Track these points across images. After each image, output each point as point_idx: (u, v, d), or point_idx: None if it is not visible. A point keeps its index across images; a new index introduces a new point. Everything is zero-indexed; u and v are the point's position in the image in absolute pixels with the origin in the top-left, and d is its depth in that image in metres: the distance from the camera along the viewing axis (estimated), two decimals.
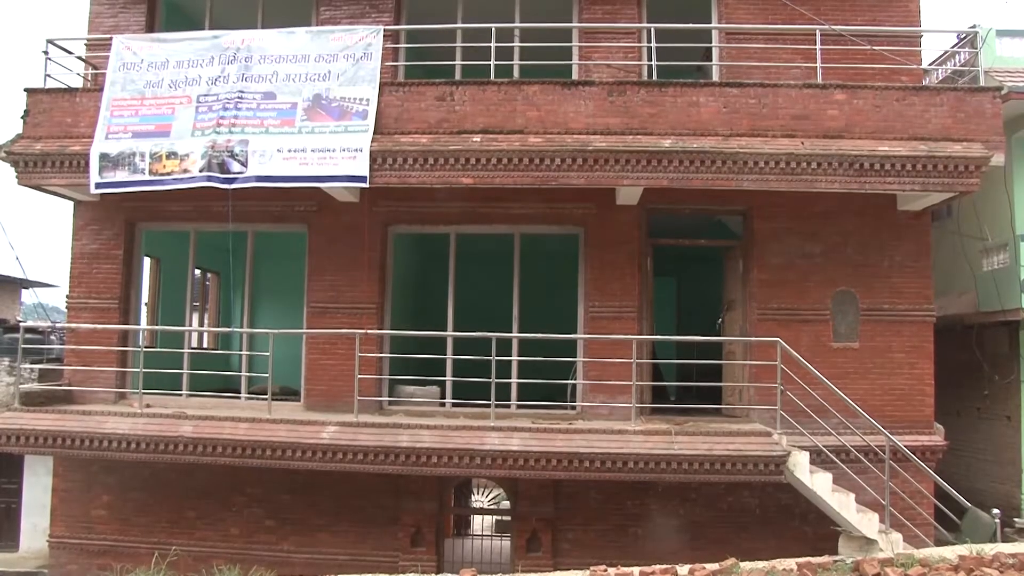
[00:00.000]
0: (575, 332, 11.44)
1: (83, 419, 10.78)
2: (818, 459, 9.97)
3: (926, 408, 11.13)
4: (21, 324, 14.87)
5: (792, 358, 10.11)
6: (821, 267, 11.29)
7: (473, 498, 14.64)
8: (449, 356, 11.42)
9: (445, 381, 11.41)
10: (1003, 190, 12.33)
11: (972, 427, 13.79)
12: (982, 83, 11.04)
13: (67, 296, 12.34)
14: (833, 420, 10.13)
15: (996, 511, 9.91)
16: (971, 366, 13.58)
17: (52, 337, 14.69)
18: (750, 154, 10.14)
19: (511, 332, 11.31)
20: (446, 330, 11.65)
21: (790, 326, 11.06)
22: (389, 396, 11.56)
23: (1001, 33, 12.83)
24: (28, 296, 25.73)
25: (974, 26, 11.99)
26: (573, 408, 11.27)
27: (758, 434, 10.02)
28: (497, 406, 10.44)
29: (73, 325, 12.14)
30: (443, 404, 11.41)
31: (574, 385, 11.31)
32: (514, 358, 11.00)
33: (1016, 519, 12.10)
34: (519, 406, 11.19)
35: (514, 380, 11.11)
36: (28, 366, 12.16)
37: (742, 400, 11.39)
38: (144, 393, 11.05)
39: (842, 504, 9.64)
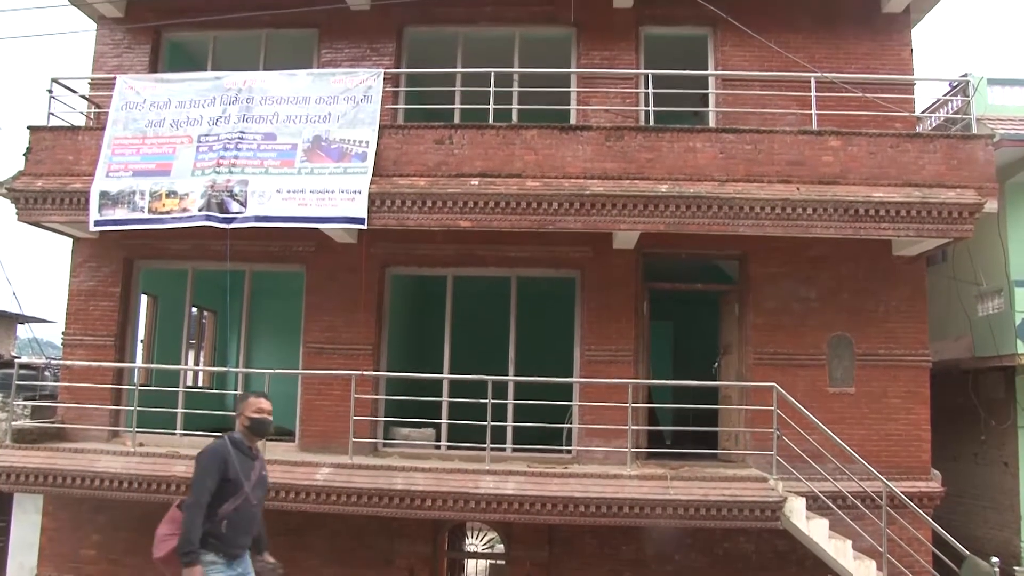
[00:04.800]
0: (571, 376, 11.43)
1: (75, 457, 10.71)
2: (815, 505, 9.91)
3: (923, 454, 11.08)
4: (16, 360, 14.79)
5: (788, 403, 10.08)
6: (817, 312, 11.32)
7: (467, 541, 14.52)
8: (445, 399, 11.38)
9: (441, 423, 11.35)
10: (997, 235, 12.42)
11: (970, 473, 13.72)
12: (975, 130, 11.15)
13: (63, 333, 12.33)
14: (830, 465, 10.08)
15: (995, 559, 9.80)
16: (967, 411, 13.56)
17: (46, 373, 14.62)
18: (746, 199, 10.21)
19: (507, 375, 11.28)
20: (442, 372, 11.62)
21: (786, 370, 11.05)
22: (384, 438, 11.49)
23: (992, 82, 12.99)
24: (23, 331, 25.66)
25: (966, 75, 12.15)
26: (569, 452, 11.22)
27: (754, 479, 9.98)
28: (492, 449, 10.39)
29: (68, 362, 12.10)
30: (438, 446, 11.34)
31: (570, 429, 11.27)
32: (510, 401, 10.96)
33: (1016, 567, 12.01)
34: (515, 449, 11.14)
35: (510, 423, 11.05)
36: (21, 403, 12.08)
37: (738, 445, 11.33)
38: (138, 432, 10.99)
39: (839, 551, 9.56)
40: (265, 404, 5.58)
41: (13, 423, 11.19)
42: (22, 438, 11.01)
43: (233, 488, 5.18)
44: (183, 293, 12.88)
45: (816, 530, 9.66)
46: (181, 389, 12.16)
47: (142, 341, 13.33)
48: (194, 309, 15.32)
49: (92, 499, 11.26)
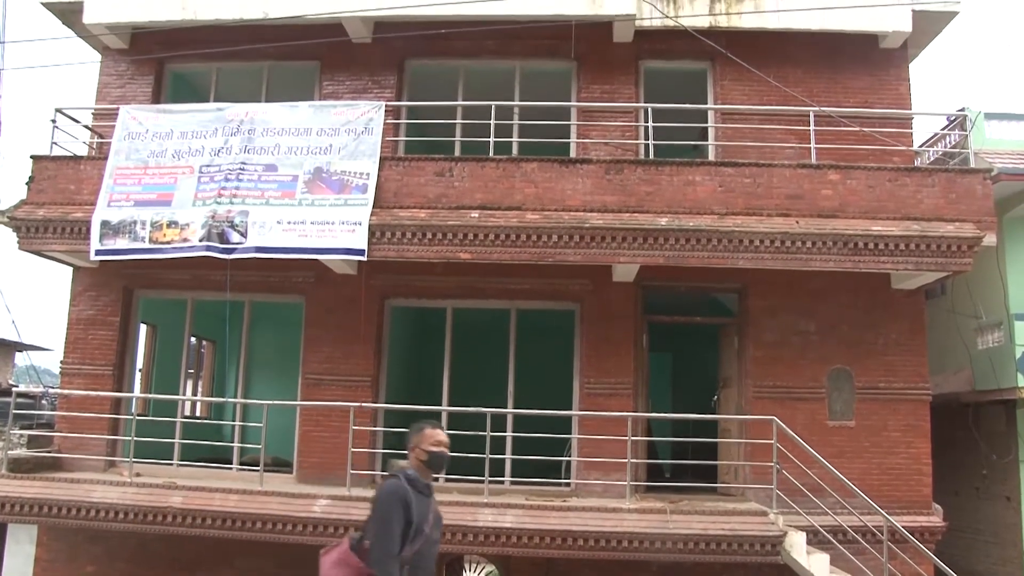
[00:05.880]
0: (570, 408, 11.38)
1: (71, 487, 10.62)
2: (815, 539, 9.79)
3: (924, 488, 11.02)
4: (13, 388, 14.74)
5: (788, 436, 10.03)
6: (816, 345, 11.30)
7: (465, 574, 14.37)
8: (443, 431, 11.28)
9: None
10: (996, 269, 12.43)
11: (971, 507, 13.63)
12: (972, 164, 11.23)
13: (61, 361, 12.31)
14: (830, 500, 10.00)
15: None
16: (968, 445, 13.49)
17: (43, 402, 14.57)
18: (745, 233, 10.24)
19: (506, 407, 11.25)
20: (441, 404, 11.58)
21: (785, 404, 11.00)
22: (382, 470, 11.41)
23: (990, 116, 13.10)
24: (21, 358, 25.63)
25: (963, 109, 12.27)
26: (567, 485, 11.13)
27: (754, 514, 9.90)
28: (491, 482, 10.32)
29: (66, 391, 12.06)
30: (436, 478, 11.23)
31: (569, 462, 11.21)
32: (509, 434, 10.91)
33: None
34: (513, 482, 11.06)
35: (508, 456, 10.99)
36: (18, 431, 12.02)
37: (738, 478, 11.27)
38: (135, 462, 10.92)
39: None
40: (443, 436, 5.07)
41: (9, 452, 11.12)
42: (18, 467, 10.93)
43: (415, 531, 4.69)
44: (182, 323, 12.87)
45: (817, 565, 9.55)
46: (179, 419, 12.10)
47: (141, 370, 13.28)
48: (193, 339, 15.29)
49: (87, 530, 11.16)
